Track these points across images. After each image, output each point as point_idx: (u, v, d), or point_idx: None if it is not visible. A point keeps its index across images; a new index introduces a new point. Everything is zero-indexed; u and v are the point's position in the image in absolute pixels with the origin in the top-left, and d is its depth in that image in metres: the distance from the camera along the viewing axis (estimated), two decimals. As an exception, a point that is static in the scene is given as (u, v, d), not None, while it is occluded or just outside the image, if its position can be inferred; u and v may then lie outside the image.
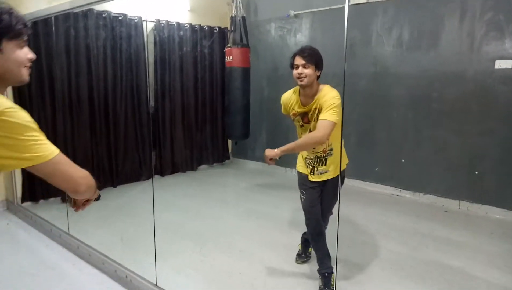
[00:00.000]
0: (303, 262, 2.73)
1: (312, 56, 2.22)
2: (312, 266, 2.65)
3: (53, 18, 3.28)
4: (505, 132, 3.59)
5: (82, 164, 4.04)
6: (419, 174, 4.15)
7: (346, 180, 2.63)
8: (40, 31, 3.72)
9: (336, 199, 2.43)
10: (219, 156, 5.70)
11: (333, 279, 2.34)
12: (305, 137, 2.24)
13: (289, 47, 5.12)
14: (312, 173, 2.37)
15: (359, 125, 4.52)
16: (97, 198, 4.28)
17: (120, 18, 4.37)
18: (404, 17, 4.11)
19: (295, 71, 2.25)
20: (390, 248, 2.98)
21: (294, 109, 2.34)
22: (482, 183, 3.75)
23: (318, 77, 2.26)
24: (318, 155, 2.34)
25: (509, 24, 3.48)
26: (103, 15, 4.22)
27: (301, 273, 2.62)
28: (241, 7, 4.51)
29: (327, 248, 2.41)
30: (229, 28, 4.70)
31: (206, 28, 5.24)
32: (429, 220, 3.57)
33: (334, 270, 2.31)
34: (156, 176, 4.97)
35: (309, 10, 4.83)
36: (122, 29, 4.42)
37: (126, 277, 2.40)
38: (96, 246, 2.75)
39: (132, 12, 4.46)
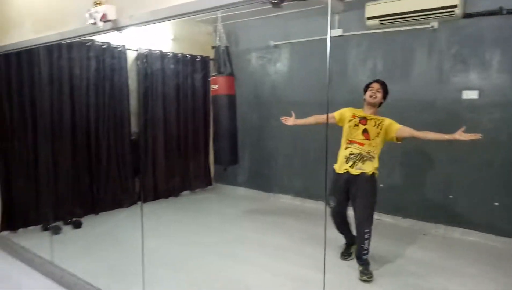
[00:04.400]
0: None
1: (384, 85, 3.06)
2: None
3: (38, 48, 3.32)
4: (474, 157, 3.83)
5: (64, 191, 4.08)
6: (398, 198, 4.31)
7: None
8: (23, 61, 3.75)
9: (373, 197, 2.97)
10: (202, 182, 5.74)
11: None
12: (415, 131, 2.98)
13: (269, 76, 5.32)
14: (352, 167, 2.94)
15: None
16: (79, 226, 4.24)
17: (104, 46, 4.46)
18: (377, 50, 4.39)
19: (369, 92, 3.02)
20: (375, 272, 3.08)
21: (355, 114, 3.07)
22: (456, 206, 3.95)
23: (380, 103, 3.07)
24: (363, 153, 2.95)
25: (472, 57, 3.79)
26: (87, 44, 4.30)
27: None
28: (224, 37, 4.68)
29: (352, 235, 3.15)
30: (214, 57, 4.84)
31: (189, 56, 5.38)
32: (408, 244, 3.71)
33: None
34: (137, 202, 4.95)
35: (288, 41, 5.06)
36: (106, 58, 4.50)
37: (114, 305, 2.39)
38: (81, 275, 2.72)
39: (116, 40, 4.56)
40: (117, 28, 2.49)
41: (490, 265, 3.23)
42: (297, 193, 5.06)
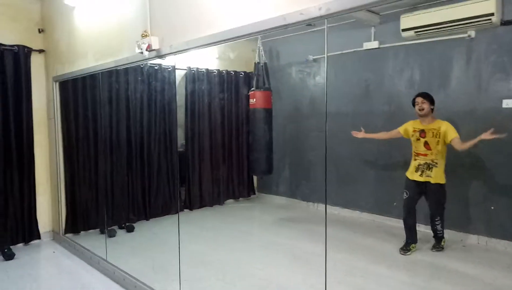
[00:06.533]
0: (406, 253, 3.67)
1: (427, 96, 3.47)
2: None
3: (99, 73, 3.80)
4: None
5: (119, 199, 4.62)
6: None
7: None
8: (87, 84, 4.30)
9: (441, 200, 3.54)
10: (245, 191, 6.01)
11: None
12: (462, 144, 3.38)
13: (308, 89, 5.49)
14: (421, 175, 3.53)
15: (378, 161, 4.73)
16: (131, 230, 4.73)
17: (156, 67, 4.95)
18: (414, 60, 4.40)
19: (417, 107, 3.52)
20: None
21: (415, 128, 3.57)
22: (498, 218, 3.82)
23: (432, 110, 3.49)
24: (428, 162, 3.50)
25: (512, 65, 3.69)
26: (141, 66, 4.80)
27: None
28: (263, 54, 4.96)
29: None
30: (253, 73, 5.14)
31: (233, 73, 5.74)
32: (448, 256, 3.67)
33: None
34: (185, 210, 5.33)
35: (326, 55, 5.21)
36: (157, 77, 4.99)
37: (155, 298, 2.70)
38: (130, 272, 3.08)
39: (166, 62, 5.01)
40: (160, 56, 2.86)
41: None
42: (335, 203, 5.15)
